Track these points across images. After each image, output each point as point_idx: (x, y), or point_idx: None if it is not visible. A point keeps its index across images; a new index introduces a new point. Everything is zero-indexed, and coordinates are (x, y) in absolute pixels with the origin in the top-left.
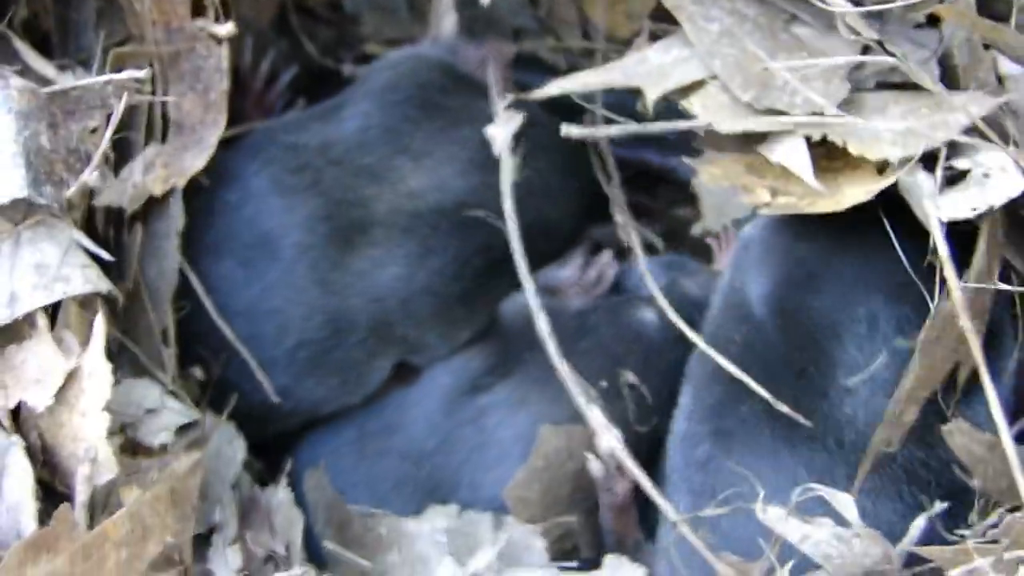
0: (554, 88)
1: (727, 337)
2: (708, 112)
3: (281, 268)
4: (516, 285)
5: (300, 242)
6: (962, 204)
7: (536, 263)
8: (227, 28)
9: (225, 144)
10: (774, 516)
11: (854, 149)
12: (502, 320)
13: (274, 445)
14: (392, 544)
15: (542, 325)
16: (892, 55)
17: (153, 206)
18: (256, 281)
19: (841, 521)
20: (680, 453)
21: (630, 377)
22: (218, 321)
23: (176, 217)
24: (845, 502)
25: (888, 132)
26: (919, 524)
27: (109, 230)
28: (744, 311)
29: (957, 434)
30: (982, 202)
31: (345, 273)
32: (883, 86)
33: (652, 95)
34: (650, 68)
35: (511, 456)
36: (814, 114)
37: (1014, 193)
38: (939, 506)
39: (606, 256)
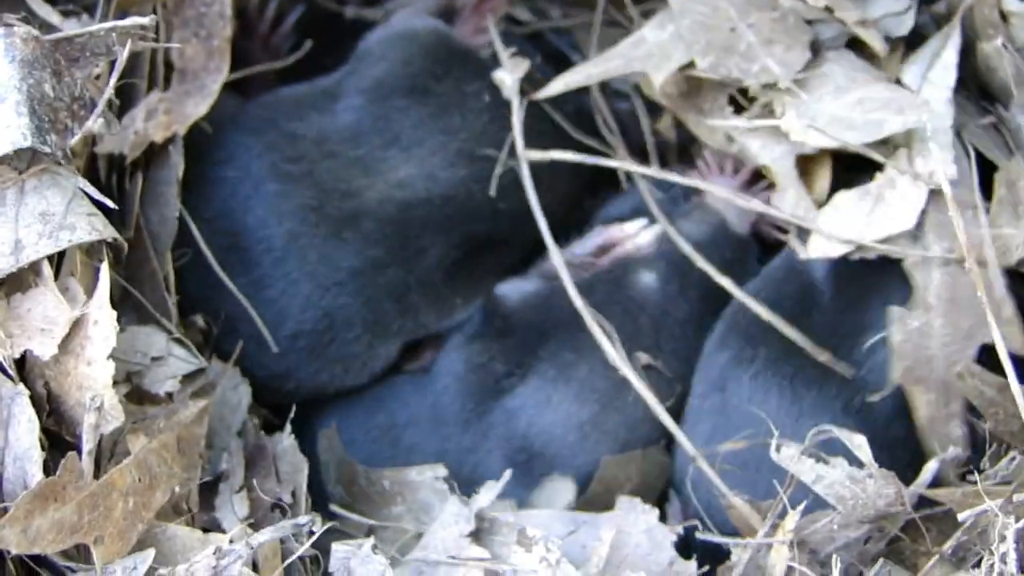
0: (559, 85)
1: (780, 294)
2: None
3: (274, 258)
4: (511, 263)
5: (291, 231)
6: None
7: (530, 250)
8: None
9: (229, 87)
10: (787, 455)
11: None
12: (508, 311)
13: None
14: (396, 495)
15: (571, 288)
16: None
17: (154, 153)
18: (253, 268)
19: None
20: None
21: (643, 358)
22: (219, 272)
23: (177, 164)
24: (859, 443)
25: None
26: (931, 467)
27: (111, 178)
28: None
29: (969, 377)
30: None
31: (335, 271)
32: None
33: (658, 79)
34: (649, 49)
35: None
36: (766, 86)
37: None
38: (952, 451)
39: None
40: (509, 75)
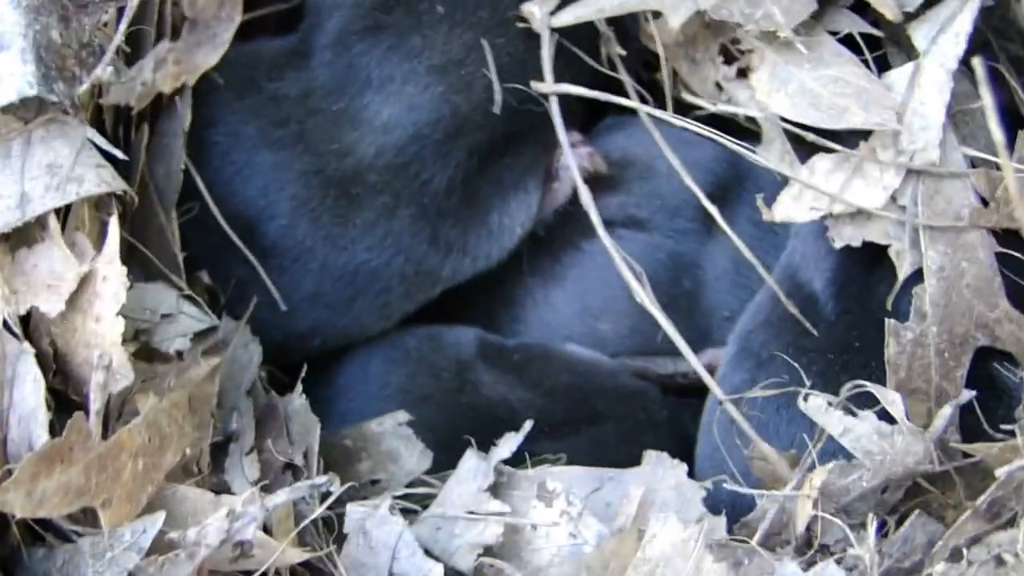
0: (569, 16)
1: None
2: None
3: (281, 225)
4: (530, 155)
5: (296, 195)
6: None
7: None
8: None
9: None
10: (815, 406)
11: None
12: None
13: None
14: (360, 451)
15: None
16: None
17: (161, 104)
18: (259, 236)
19: None
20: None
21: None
22: (228, 230)
23: (184, 116)
24: (893, 399)
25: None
26: (946, 413)
27: (117, 129)
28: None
29: (1006, 322)
30: None
31: (351, 227)
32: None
33: (676, 21)
34: None
35: None
36: (765, 33)
37: None
38: (966, 393)
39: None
40: (538, 7)
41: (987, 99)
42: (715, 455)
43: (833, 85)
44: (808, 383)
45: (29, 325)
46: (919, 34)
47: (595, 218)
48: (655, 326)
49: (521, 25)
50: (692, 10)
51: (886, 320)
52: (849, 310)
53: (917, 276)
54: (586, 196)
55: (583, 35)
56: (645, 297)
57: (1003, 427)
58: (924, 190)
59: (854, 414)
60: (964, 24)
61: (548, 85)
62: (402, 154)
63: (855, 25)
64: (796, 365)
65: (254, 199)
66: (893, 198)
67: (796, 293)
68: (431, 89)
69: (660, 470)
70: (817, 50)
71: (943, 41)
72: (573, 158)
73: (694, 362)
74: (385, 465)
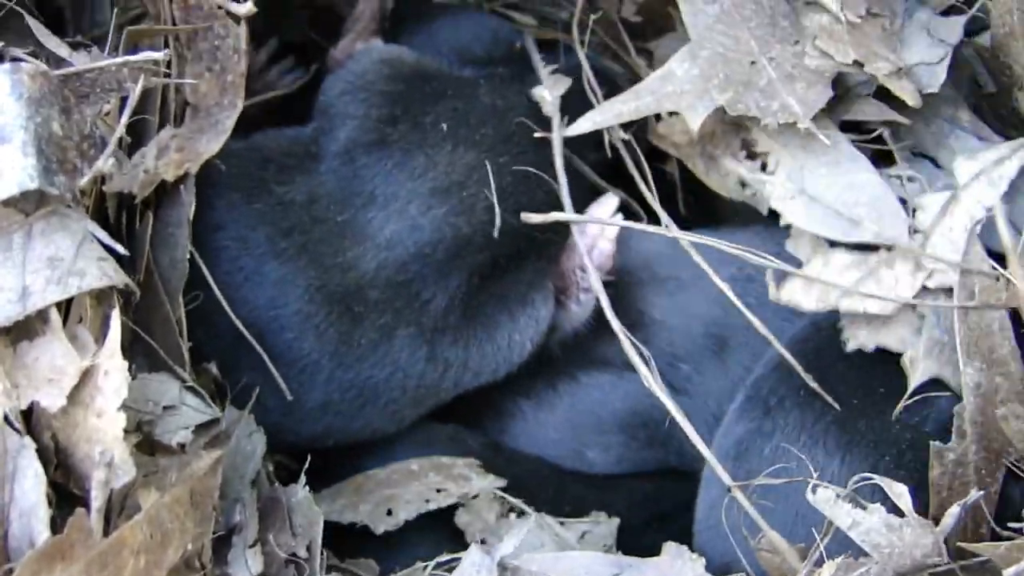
0: (587, 123)
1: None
2: None
3: (289, 337)
4: (533, 270)
5: (302, 311)
6: None
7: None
8: (246, 7)
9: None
10: (823, 498)
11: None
12: None
13: None
14: (371, 491)
15: (604, 301)
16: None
17: (164, 192)
18: (269, 344)
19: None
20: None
21: None
22: (233, 318)
23: (188, 204)
24: (900, 492)
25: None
26: (955, 511)
27: (120, 218)
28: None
29: (1013, 420)
30: None
31: (353, 346)
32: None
33: (695, 121)
34: (680, 86)
35: None
36: (784, 125)
37: None
38: (975, 494)
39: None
40: (549, 93)
41: (1006, 237)
42: (714, 541)
43: (847, 193)
44: (822, 429)
45: (30, 419)
46: (963, 169)
47: (614, 322)
48: (643, 455)
49: (527, 138)
50: (711, 108)
51: (931, 444)
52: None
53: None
54: (608, 309)
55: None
56: (654, 383)
57: (1011, 525)
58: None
59: (863, 506)
60: (1010, 170)
61: (563, 188)
62: (403, 272)
63: (880, 113)
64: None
65: (263, 309)
66: (913, 307)
67: (814, 335)
68: (433, 210)
69: (679, 562)
70: (832, 153)
71: (985, 180)
72: (596, 278)
73: (704, 450)
74: (387, 505)
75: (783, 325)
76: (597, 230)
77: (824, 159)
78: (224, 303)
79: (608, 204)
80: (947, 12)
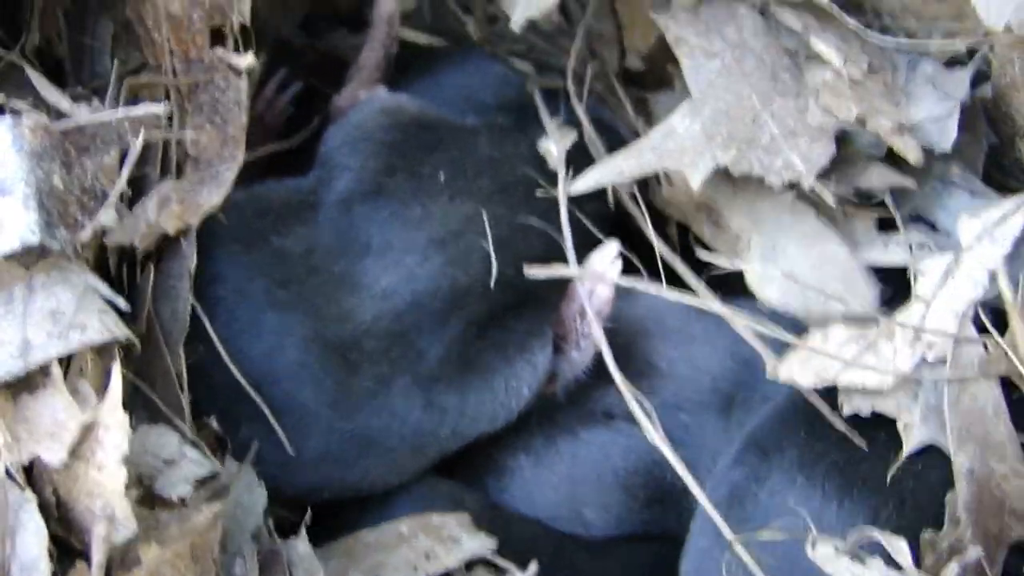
0: (590, 180)
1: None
2: None
3: (286, 388)
4: (531, 319)
5: (299, 361)
6: None
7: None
8: (247, 60)
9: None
10: (823, 555)
11: None
12: None
13: None
14: (361, 556)
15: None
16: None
17: (166, 245)
18: (266, 396)
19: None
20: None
21: None
22: (235, 371)
23: (189, 257)
24: (899, 547)
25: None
26: (954, 569)
27: (121, 269)
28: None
29: (1015, 478)
30: None
31: (350, 394)
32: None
33: (697, 180)
34: (682, 143)
35: None
36: (790, 186)
37: None
38: (974, 551)
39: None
40: (555, 145)
41: (1008, 296)
42: None
43: (818, 270)
44: (822, 472)
45: (32, 473)
46: (966, 228)
47: (613, 369)
48: (643, 516)
49: (524, 188)
50: (711, 167)
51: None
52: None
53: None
54: (608, 355)
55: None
56: (657, 436)
57: None
58: (949, 389)
59: (862, 561)
60: (1014, 228)
61: (568, 242)
62: (399, 322)
63: (885, 179)
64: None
65: (260, 360)
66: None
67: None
68: (430, 261)
69: None
70: (800, 227)
71: (988, 239)
72: (596, 325)
73: (699, 494)
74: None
75: None
76: (596, 278)
77: (793, 235)
78: (224, 354)
79: (608, 251)
80: (949, 64)
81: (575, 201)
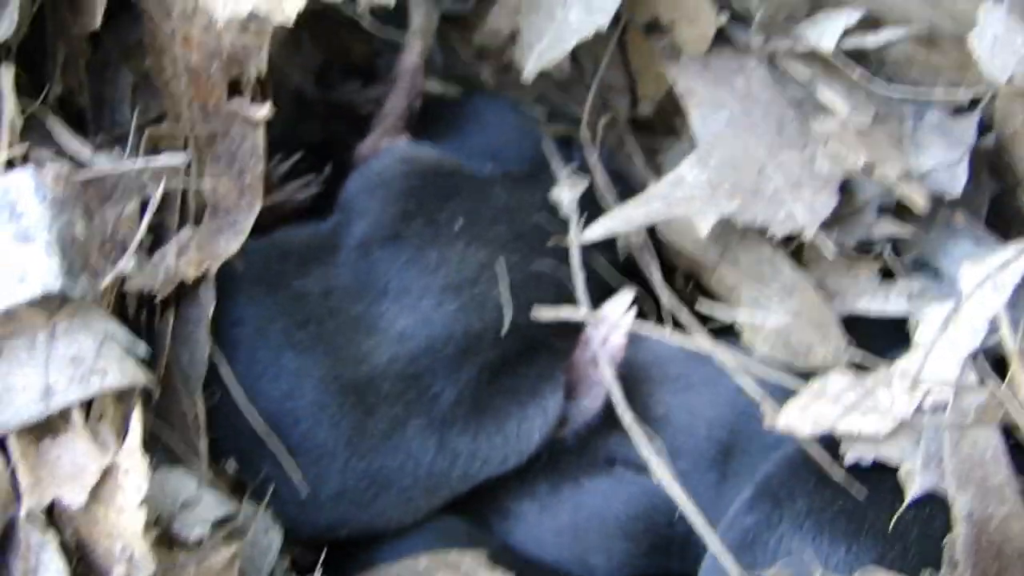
0: (601, 229)
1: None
2: None
3: (304, 429)
4: (528, 385)
5: (317, 402)
6: None
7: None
8: (264, 110)
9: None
10: None
11: None
12: None
13: None
14: None
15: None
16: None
17: (184, 291)
18: (284, 436)
19: None
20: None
21: None
22: (250, 416)
23: (208, 303)
24: None
25: None
26: None
27: (140, 315)
28: None
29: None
30: None
31: (366, 436)
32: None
33: (704, 229)
34: (690, 192)
35: None
36: (789, 239)
37: None
38: None
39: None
40: (567, 193)
41: (1008, 342)
42: None
43: (796, 320)
44: (830, 518)
45: (52, 515)
46: (968, 275)
47: (625, 418)
48: (646, 562)
49: (539, 236)
50: (717, 216)
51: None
52: None
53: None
54: (621, 404)
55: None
56: (671, 483)
57: None
58: (949, 434)
59: None
60: (1014, 276)
61: (580, 287)
62: (414, 365)
63: (887, 229)
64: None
65: (279, 401)
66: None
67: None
68: (445, 306)
69: None
70: (780, 278)
71: (989, 287)
72: (609, 372)
73: (710, 539)
74: None
75: None
76: (610, 325)
77: (774, 286)
78: (241, 398)
79: (623, 299)
80: (954, 113)
81: (589, 249)
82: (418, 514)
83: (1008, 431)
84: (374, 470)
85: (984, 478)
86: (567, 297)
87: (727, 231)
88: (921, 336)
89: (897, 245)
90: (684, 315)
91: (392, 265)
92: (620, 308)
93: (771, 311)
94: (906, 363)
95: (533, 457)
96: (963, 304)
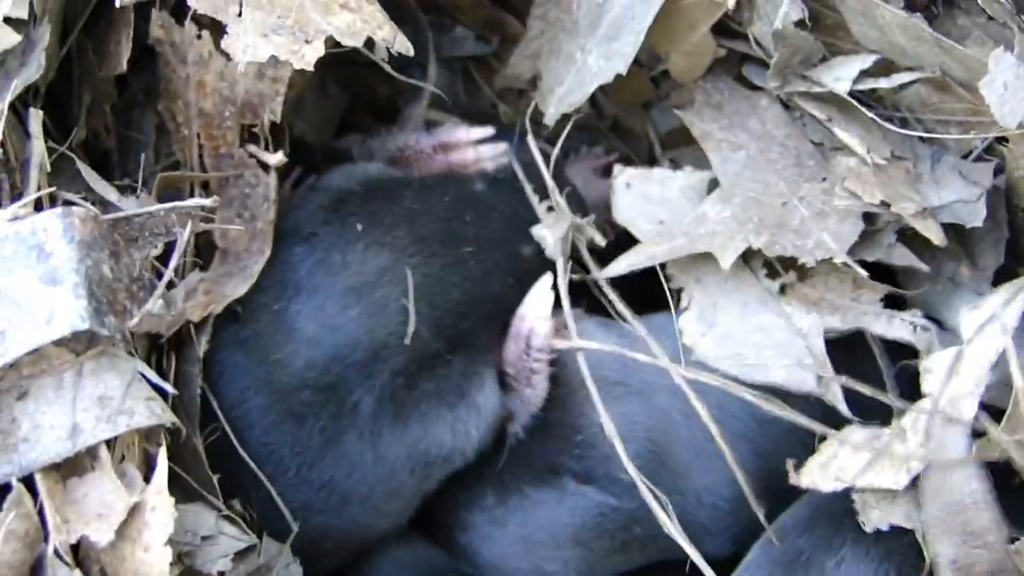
0: (622, 265)
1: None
2: None
3: (258, 435)
4: (451, 386)
5: (261, 405)
6: None
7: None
8: (277, 157)
9: None
10: None
11: None
12: None
13: None
14: None
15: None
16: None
17: (184, 331)
18: (246, 447)
19: None
20: None
21: None
22: (244, 455)
23: (201, 343)
24: None
25: None
26: None
27: (150, 357)
28: None
29: None
30: None
31: (306, 448)
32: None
33: (726, 262)
34: (713, 227)
35: None
36: (823, 262)
37: None
38: None
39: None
40: (549, 232)
41: (1018, 379)
42: None
43: (757, 335)
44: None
45: (79, 552)
46: (967, 322)
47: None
48: (608, 563)
49: (441, 238)
50: (743, 248)
51: None
52: None
53: None
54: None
55: None
56: (644, 488)
57: None
58: (926, 481)
59: None
60: (1012, 317)
61: (570, 322)
62: (327, 374)
63: (904, 258)
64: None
65: (235, 404)
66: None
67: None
68: (347, 311)
69: None
70: (744, 294)
71: (989, 332)
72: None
73: (695, 555)
74: None
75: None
76: (533, 314)
77: (736, 299)
78: (226, 426)
79: (542, 285)
80: (965, 157)
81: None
82: (394, 515)
83: (1009, 473)
84: (326, 480)
85: (966, 523)
86: (474, 296)
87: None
88: (928, 386)
89: (899, 303)
90: (635, 323)
91: (305, 263)
92: (541, 295)
93: (726, 321)
94: (916, 415)
95: (483, 455)
96: (965, 351)
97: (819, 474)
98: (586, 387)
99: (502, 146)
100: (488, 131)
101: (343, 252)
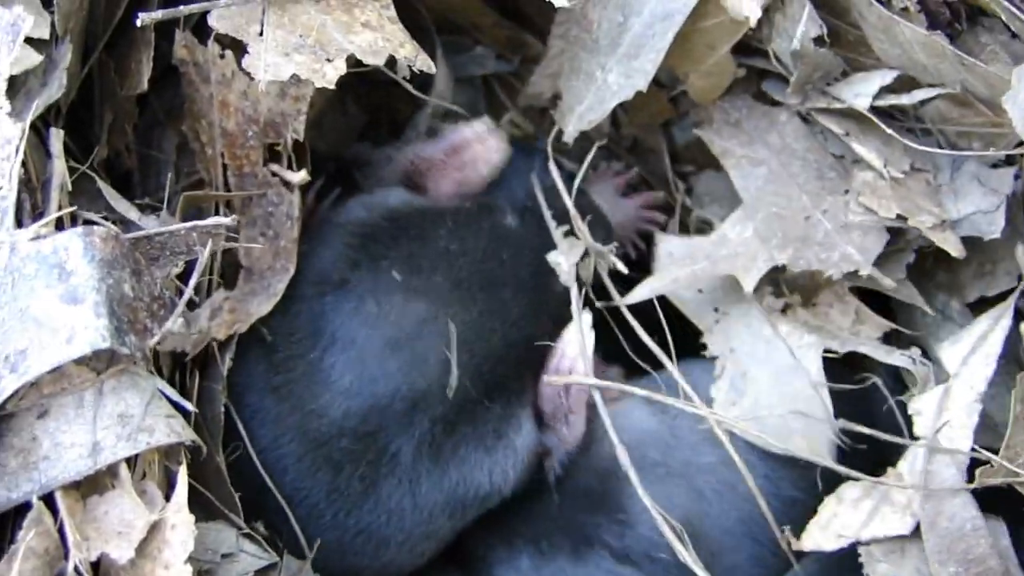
0: (645, 290)
1: None
2: None
3: (291, 480)
4: (490, 429)
5: (295, 453)
6: None
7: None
8: (300, 175)
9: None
10: None
11: None
12: None
13: None
14: None
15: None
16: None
17: (209, 350)
18: (279, 488)
19: None
20: None
21: None
22: (266, 479)
23: (224, 361)
24: None
25: None
26: None
27: (174, 375)
28: None
29: None
30: None
31: (344, 495)
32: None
33: (749, 285)
34: (734, 249)
35: None
36: (851, 274)
37: None
38: None
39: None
40: (564, 259)
41: (1017, 405)
42: None
43: (784, 404)
44: None
45: (99, 571)
46: (950, 356)
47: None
48: None
49: (480, 282)
50: (767, 268)
51: None
52: None
53: None
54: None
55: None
56: (663, 526)
57: None
58: (925, 511)
59: None
60: (995, 346)
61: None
62: (366, 423)
63: (911, 298)
64: None
65: (268, 449)
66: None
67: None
68: (387, 363)
69: None
70: (775, 362)
71: (974, 362)
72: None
73: None
74: None
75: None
76: (573, 353)
77: (766, 369)
78: (254, 455)
79: (584, 322)
80: (991, 166)
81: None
82: (429, 554)
83: (1013, 498)
84: (364, 526)
85: (966, 551)
86: (516, 342)
87: (729, 296)
88: (920, 428)
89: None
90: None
91: (338, 313)
92: (581, 333)
93: (756, 389)
94: (912, 458)
95: (520, 489)
96: (952, 386)
97: (820, 535)
98: (633, 465)
99: (505, 143)
100: (488, 122)
101: (378, 302)
